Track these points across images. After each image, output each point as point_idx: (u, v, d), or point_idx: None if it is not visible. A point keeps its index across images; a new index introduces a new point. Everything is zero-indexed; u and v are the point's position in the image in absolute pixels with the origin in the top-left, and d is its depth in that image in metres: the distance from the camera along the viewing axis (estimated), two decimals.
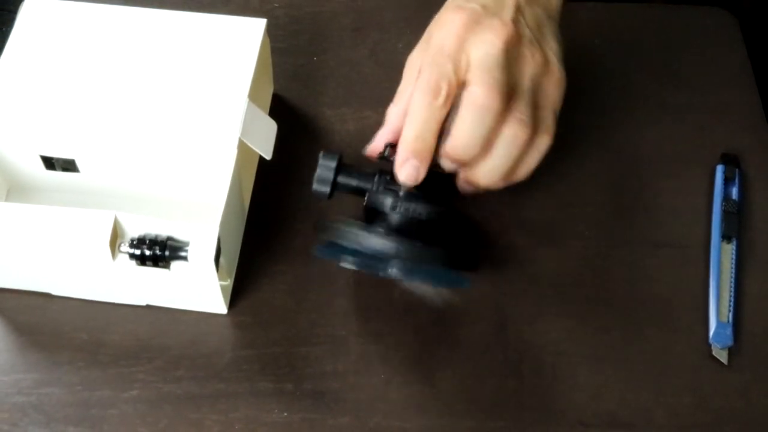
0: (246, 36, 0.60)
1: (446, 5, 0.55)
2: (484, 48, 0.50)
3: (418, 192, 0.53)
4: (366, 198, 0.55)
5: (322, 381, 0.56)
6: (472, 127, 0.50)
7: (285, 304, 0.59)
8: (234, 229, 0.59)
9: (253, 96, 0.58)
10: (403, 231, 0.53)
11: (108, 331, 0.57)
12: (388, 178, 0.54)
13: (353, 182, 0.55)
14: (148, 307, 0.58)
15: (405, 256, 0.51)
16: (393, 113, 0.55)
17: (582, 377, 0.57)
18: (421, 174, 0.52)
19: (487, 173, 0.53)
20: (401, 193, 0.53)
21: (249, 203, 0.62)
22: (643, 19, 0.74)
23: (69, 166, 0.58)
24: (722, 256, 0.61)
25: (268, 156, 0.58)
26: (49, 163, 0.58)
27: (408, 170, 0.52)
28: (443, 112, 0.51)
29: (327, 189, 0.55)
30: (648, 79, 0.70)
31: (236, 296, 0.59)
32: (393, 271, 0.52)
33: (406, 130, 0.51)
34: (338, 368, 0.57)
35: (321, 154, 0.55)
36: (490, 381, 0.57)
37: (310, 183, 0.63)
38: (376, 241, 0.51)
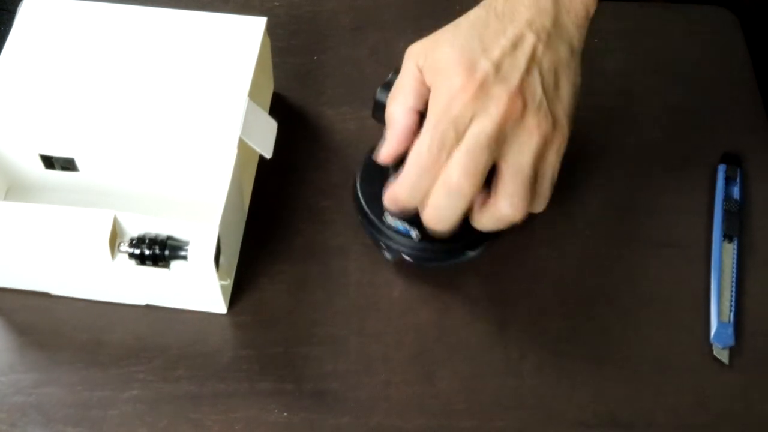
0: (246, 35, 0.60)
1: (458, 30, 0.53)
2: (482, 124, 0.49)
3: None
4: None
5: (322, 381, 0.56)
6: (444, 204, 0.50)
7: (285, 303, 0.59)
8: (234, 228, 0.59)
9: (254, 95, 0.58)
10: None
11: (107, 330, 0.57)
12: None
13: None
14: (148, 306, 0.58)
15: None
16: (398, 112, 0.52)
17: (582, 377, 0.57)
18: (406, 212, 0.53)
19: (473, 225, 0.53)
20: None
21: (249, 202, 0.62)
22: (643, 19, 0.74)
23: (68, 165, 0.58)
24: (723, 256, 0.61)
25: (268, 155, 0.58)
26: (49, 162, 0.58)
27: (394, 210, 0.53)
28: (436, 176, 0.50)
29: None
30: (648, 79, 0.70)
31: (236, 296, 0.59)
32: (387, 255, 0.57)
33: (400, 185, 0.51)
34: (338, 368, 0.57)
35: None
36: (491, 381, 0.57)
37: (311, 182, 0.64)
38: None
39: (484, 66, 0.49)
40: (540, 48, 0.50)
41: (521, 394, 0.56)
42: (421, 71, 0.52)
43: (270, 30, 0.62)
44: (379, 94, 0.54)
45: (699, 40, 0.72)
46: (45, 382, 0.55)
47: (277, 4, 0.73)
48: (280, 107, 0.67)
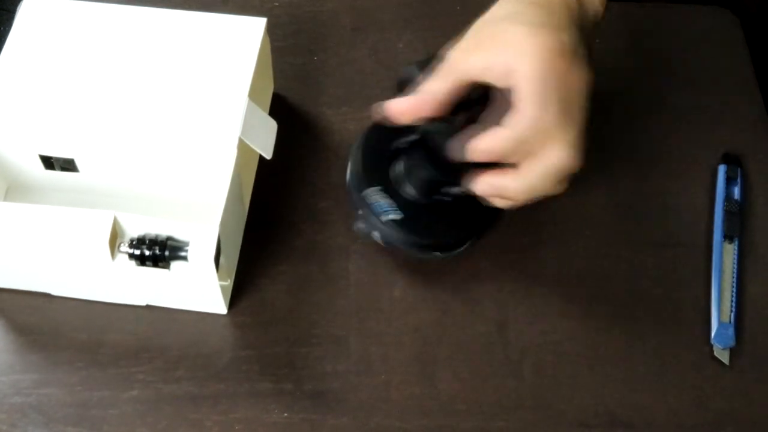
0: (246, 35, 0.60)
1: (514, 15, 0.53)
2: (580, 98, 0.52)
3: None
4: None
5: (322, 381, 0.56)
6: (540, 184, 0.51)
7: (285, 304, 0.59)
8: (234, 228, 0.59)
9: (253, 95, 0.58)
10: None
11: (107, 331, 0.57)
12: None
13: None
14: (148, 307, 0.58)
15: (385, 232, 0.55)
16: (441, 84, 0.52)
17: (582, 377, 0.57)
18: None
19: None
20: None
21: (249, 203, 0.62)
22: (643, 19, 0.73)
23: (68, 165, 0.58)
24: (724, 256, 0.61)
25: (268, 155, 0.58)
26: (48, 162, 0.58)
27: (459, 154, 0.52)
28: (526, 152, 0.51)
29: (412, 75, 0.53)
30: (649, 79, 0.70)
31: (236, 296, 0.59)
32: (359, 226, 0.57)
33: (488, 140, 0.50)
34: (338, 368, 0.56)
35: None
36: (491, 381, 0.56)
37: (311, 182, 0.64)
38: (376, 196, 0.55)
39: (563, 37, 0.51)
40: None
41: (521, 395, 0.56)
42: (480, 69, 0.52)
43: (270, 30, 0.62)
44: (410, 70, 0.53)
45: (699, 40, 0.72)
46: (45, 382, 0.55)
47: (277, 4, 0.73)
48: (280, 107, 0.67)
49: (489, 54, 0.52)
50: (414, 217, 0.56)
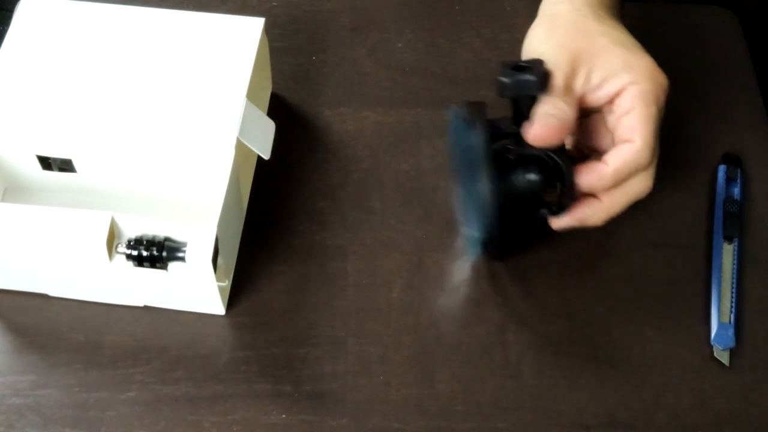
0: (244, 35, 0.60)
1: (609, 29, 0.56)
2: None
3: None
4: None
5: (321, 382, 0.56)
6: (620, 211, 0.54)
7: (284, 305, 0.59)
8: (232, 229, 0.59)
9: (252, 95, 0.58)
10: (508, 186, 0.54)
11: (105, 332, 0.57)
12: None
13: (524, 111, 0.53)
14: (146, 308, 0.58)
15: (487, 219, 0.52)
16: (571, 108, 0.52)
17: (582, 377, 0.57)
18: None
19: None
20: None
21: (247, 203, 0.62)
22: (643, 19, 0.73)
23: (66, 166, 0.58)
24: (724, 257, 0.61)
25: (266, 156, 0.57)
26: (46, 163, 0.58)
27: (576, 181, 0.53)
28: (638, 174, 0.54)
29: (509, 94, 0.53)
30: None
31: (234, 297, 0.59)
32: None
33: (613, 172, 0.52)
34: (337, 369, 0.56)
35: (542, 75, 0.52)
36: (490, 382, 0.56)
37: (309, 183, 0.63)
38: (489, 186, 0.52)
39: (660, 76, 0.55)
40: None
41: (520, 395, 0.56)
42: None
43: (268, 30, 0.62)
44: (519, 77, 0.52)
45: (699, 40, 0.72)
46: (42, 383, 0.55)
47: (276, 4, 0.73)
48: (278, 108, 0.67)
49: (603, 70, 0.53)
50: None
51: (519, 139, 0.53)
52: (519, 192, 0.54)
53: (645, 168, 0.53)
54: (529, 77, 0.51)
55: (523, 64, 0.52)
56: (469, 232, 0.56)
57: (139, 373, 0.56)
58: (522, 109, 0.53)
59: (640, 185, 0.54)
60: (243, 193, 0.62)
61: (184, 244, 0.52)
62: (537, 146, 0.52)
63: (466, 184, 0.55)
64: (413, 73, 0.69)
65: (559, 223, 0.56)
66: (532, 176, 0.54)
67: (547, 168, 0.54)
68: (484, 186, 0.52)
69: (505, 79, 0.52)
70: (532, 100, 0.52)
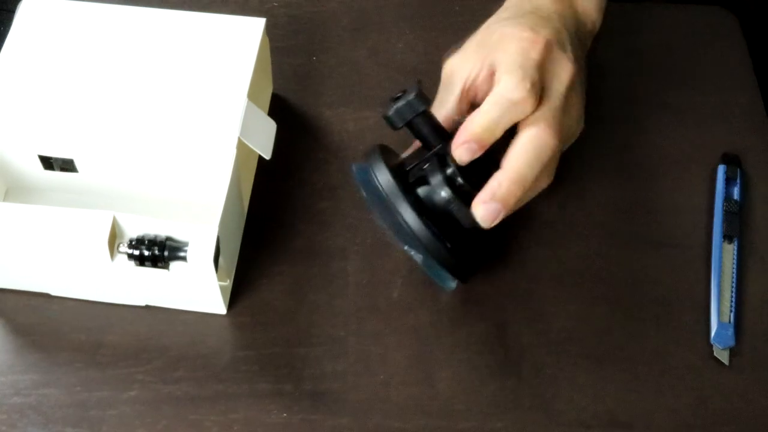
0: (245, 35, 0.60)
1: (506, 20, 0.55)
2: (559, 85, 0.53)
3: (465, 184, 0.53)
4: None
5: (321, 382, 0.56)
6: (527, 171, 0.51)
7: (284, 304, 0.59)
8: (233, 229, 0.59)
9: (252, 96, 0.58)
10: (431, 208, 0.53)
11: (107, 331, 0.57)
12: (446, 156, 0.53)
13: (423, 131, 0.54)
14: (147, 307, 0.58)
15: (423, 243, 0.52)
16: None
17: (582, 377, 0.57)
18: (474, 156, 0.52)
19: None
20: (449, 172, 0.53)
21: (248, 203, 0.62)
22: (643, 19, 0.73)
23: (67, 166, 0.58)
24: (723, 257, 0.61)
25: (267, 156, 0.58)
26: (48, 163, 0.58)
27: (464, 153, 0.52)
28: (519, 112, 0.51)
29: (400, 124, 0.53)
30: (648, 79, 0.70)
31: (235, 297, 0.59)
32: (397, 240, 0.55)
33: (480, 118, 0.51)
34: (338, 369, 0.56)
35: (415, 93, 0.52)
36: (490, 381, 0.56)
37: (310, 183, 0.64)
38: (407, 214, 0.52)
39: (546, 33, 0.53)
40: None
41: (520, 395, 0.56)
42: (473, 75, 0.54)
43: (269, 31, 0.62)
44: (392, 114, 0.53)
45: (699, 40, 0.72)
46: (44, 383, 0.55)
47: (276, 4, 0.73)
48: (279, 108, 0.67)
49: (478, 56, 0.53)
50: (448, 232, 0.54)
51: (442, 159, 0.53)
52: (441, 209, 0.53)
53: (522, 105, 0.51)
54: (405, 99, 0.52)
55: (399, 94, 0.53)
56: (426, 264, 0.56)
57: (140, 372, 0.56)
58: (422, 131, 0.54)
59: (539, 136, 0.51)
60: (244, 193, 0.62)
61: (186, 244, 0.52)
62: (466, 156, 0.52)
63: (392, 225, 0.54)
64: (413, 73, 0.69)
65: (476, 211, 0.51)
66: (443, 191, 0.53)
67: (445, 171, 0.53)
68: (402, 217, 0.52)
69: (388, 113, 0.53)
70: (426, 117, 0.53)
